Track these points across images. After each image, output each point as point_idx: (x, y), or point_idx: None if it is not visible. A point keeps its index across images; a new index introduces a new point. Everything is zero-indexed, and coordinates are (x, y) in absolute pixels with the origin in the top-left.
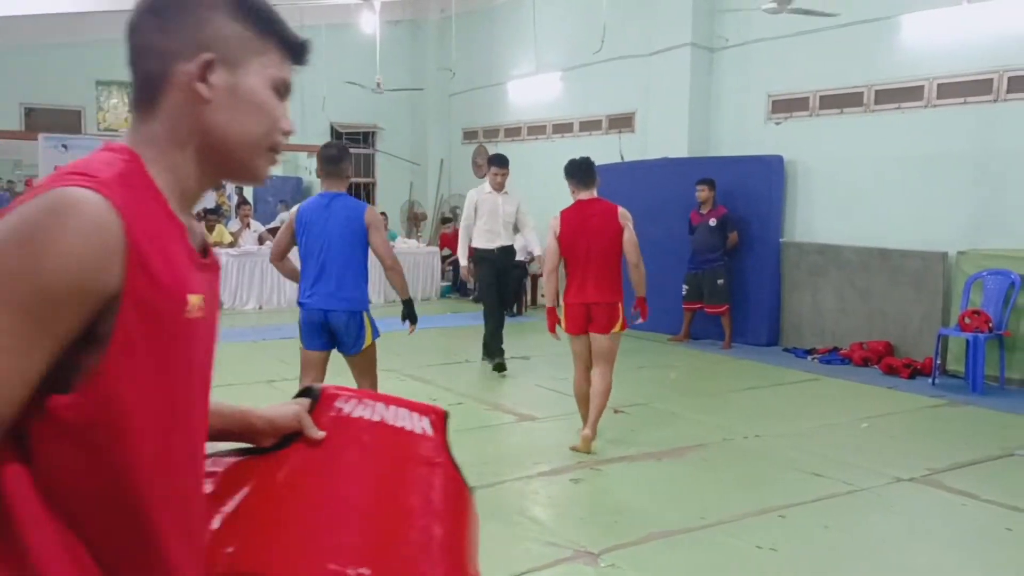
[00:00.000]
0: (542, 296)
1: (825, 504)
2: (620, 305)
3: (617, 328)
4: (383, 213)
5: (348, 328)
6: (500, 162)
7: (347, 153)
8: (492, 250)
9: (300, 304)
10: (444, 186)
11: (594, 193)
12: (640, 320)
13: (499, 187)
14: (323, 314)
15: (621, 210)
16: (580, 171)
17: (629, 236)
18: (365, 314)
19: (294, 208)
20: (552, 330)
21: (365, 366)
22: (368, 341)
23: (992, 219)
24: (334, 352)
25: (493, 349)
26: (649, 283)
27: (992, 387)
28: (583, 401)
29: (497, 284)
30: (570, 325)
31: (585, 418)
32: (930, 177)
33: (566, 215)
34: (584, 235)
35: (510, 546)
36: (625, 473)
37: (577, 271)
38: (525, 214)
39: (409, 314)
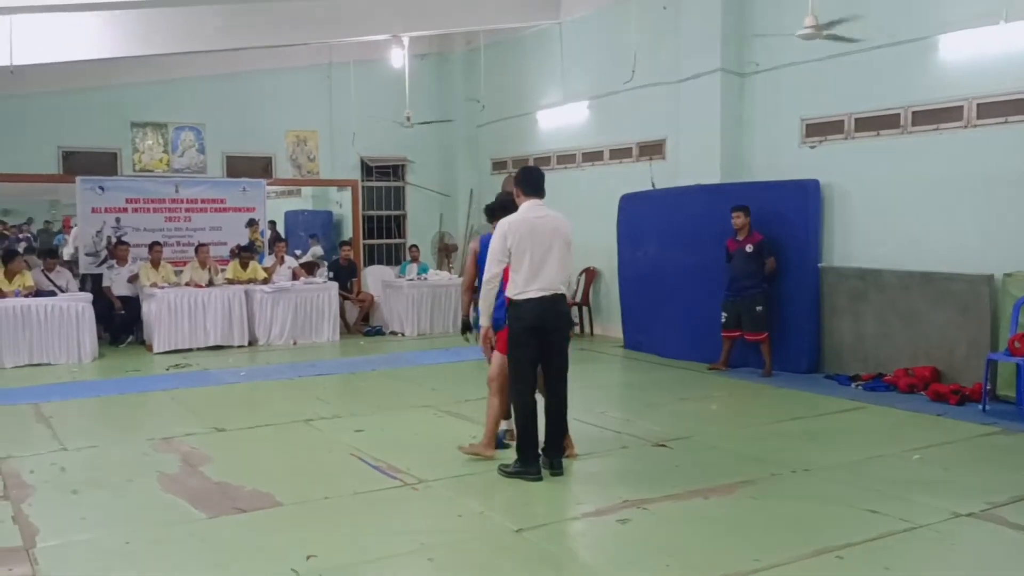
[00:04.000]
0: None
1: (883, 543)
2: None
3: None
4: (414, 246)
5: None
6: None
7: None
8: None
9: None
10: (474, 216)
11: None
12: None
13: None
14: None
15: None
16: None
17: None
18: None
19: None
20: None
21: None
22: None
23: None
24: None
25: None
26: (687, 310)
27: None
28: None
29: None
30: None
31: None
32: (972, 199)
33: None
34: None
35: None
36: (673, 512)
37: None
38: None
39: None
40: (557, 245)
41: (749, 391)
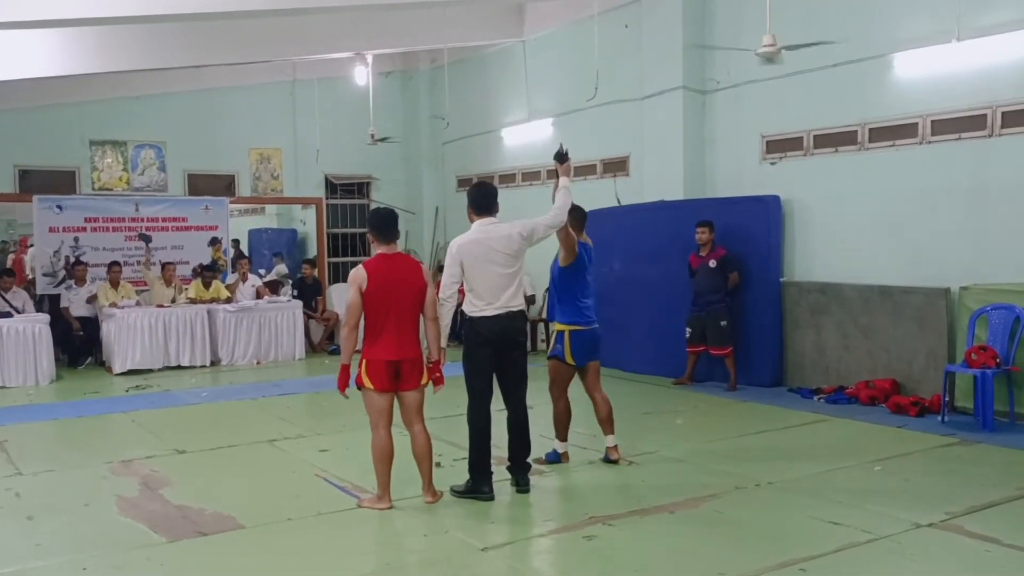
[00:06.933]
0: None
1: (846, 555)
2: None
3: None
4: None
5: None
6: None
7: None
8: None
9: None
10: (440, 234)
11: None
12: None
13: None
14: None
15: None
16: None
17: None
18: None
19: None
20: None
21: None
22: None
23: (992, 253)
24: None
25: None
26: (651, 326)
27: (1002, 423)
28: (390, 461)
29: None
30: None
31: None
32: (928, 213)
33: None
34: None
35: None
36: (639, 529)
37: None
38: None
39: None
40: (510, 261)
41: (714, 405)
